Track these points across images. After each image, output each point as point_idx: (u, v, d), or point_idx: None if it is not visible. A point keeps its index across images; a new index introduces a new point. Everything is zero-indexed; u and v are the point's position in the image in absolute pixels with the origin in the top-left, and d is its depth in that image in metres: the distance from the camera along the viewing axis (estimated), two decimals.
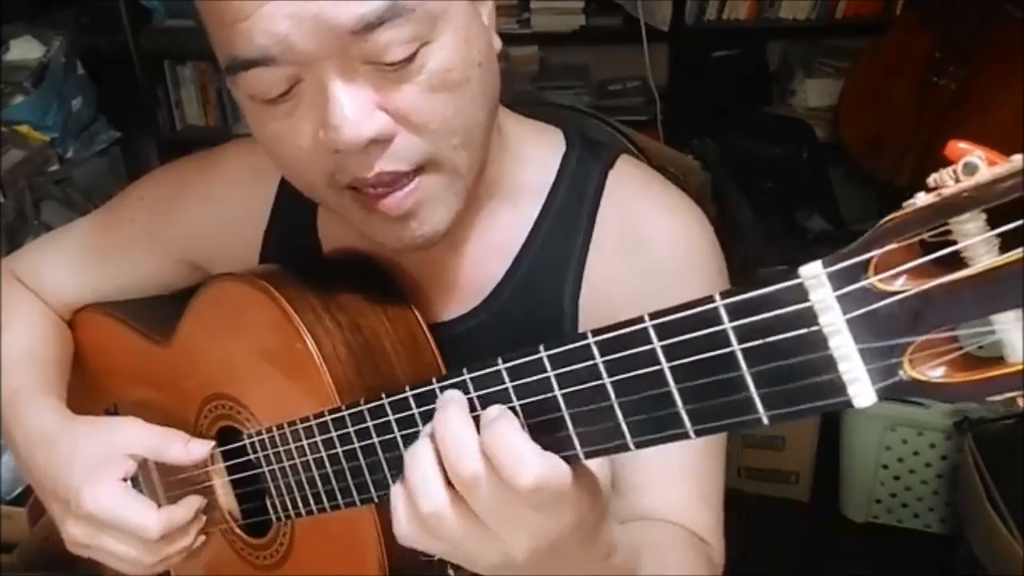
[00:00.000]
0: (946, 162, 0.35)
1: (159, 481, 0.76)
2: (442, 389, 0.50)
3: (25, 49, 2.41)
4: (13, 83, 2.33)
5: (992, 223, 0.34)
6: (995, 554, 1.50)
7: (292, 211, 0.78)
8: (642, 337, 0.42)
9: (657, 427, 0.43)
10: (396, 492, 0.50)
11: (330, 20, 0.53)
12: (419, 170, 0.60)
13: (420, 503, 0.48)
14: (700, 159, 2.14)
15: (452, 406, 0.48)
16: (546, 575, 0.52)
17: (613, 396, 0.44)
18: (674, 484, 0.69)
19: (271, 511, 0.70)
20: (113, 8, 2.51)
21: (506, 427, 0.46)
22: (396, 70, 0.56)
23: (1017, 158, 0.33)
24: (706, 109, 2.44)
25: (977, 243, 0.34)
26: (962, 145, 0.34)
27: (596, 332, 0.44)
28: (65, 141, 2.45)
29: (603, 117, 1.04)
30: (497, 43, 0.64)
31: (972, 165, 0.33)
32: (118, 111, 2.63)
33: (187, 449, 0.72)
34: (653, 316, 0.42)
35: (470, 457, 0.46)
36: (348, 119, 0.55)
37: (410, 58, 0.55)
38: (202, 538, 0.75)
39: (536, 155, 0.73)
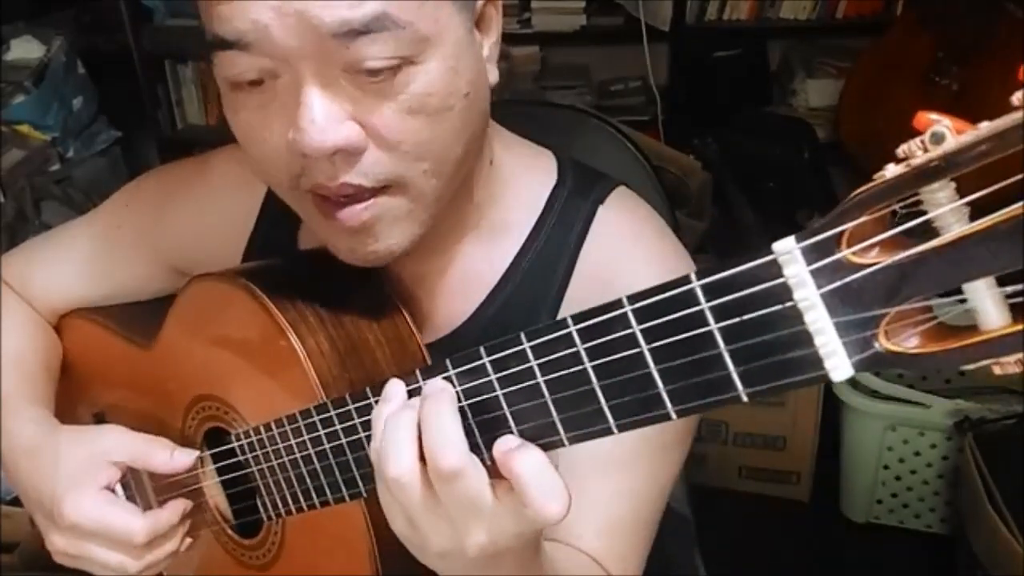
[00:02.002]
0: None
1: (150, 485, 0.76)
2: (426, 381, 0.50)
3: (25, 49, 2.41)
4: (13, 83, 2.33)
5: (962, 192, 0.34)
6: (996, 554, 1.50)
7: (276, 220, 0.78)
8: (622, 321, 0.43)
9: (639, 409, 0.44)
10: (372, 450, 0.51)
11: (313, 19, 0.52)
12: (383, 189, 0.59)
13: (388, 466, 0.48)
14: (700, 159, 2.15)
15: (443, 396, 0.48)
16: None
17: (595, 380, 0.44)
18: (588, 515, 0.67)
19: (261, 510, 0.70)
20: (113, 8, 2.51)
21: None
22: (376, 84, 0.55)
23: (983, 125, 0.33)
24: (706, 109, 2.44)
25: (947, 212, 0.34)
26: (931, 116, 0.34)
27: (576, 318, 0.44)
28: (65, 141, 2.45)
29: (603, 117, 1.04)
30: (493, 78, 0.63)
31: (939, 134, 0.34)
32: (118, 111, 2.63)
33: (172, 457, 0.71)
34: (632, 299, 0.42)
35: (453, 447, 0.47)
36: (316, 125, 0.54)
37: (391, 73, 0.54)
38: (188, 541, 0.74)
39: (524, 188, 0.72)
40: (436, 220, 0.63)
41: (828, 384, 1.91)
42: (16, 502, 1.56)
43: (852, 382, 1.79)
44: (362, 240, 0.61)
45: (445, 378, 0.50)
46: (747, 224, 2.13)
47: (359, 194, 0.58)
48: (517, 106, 0.76)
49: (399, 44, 0.53)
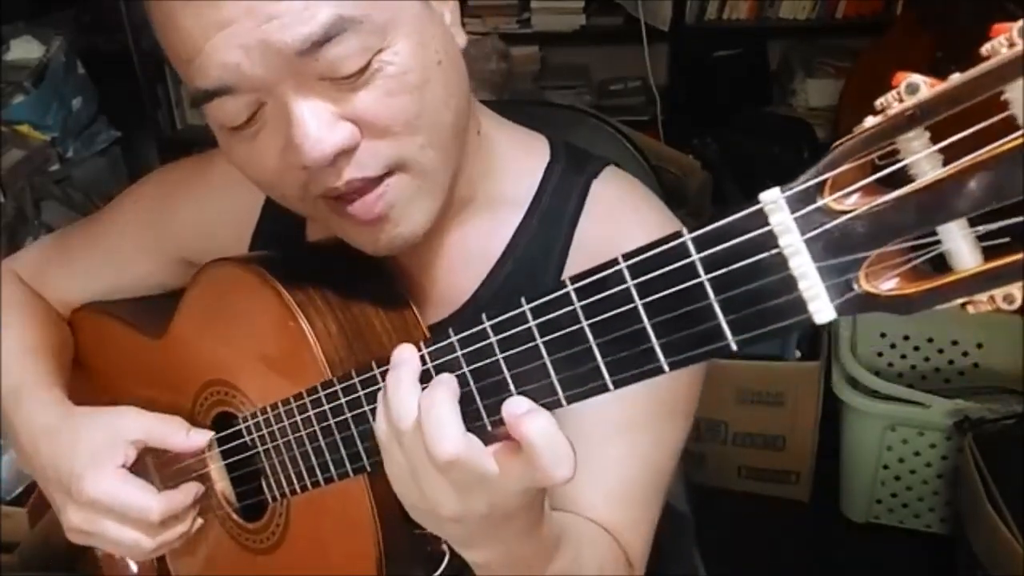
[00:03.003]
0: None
1: (155, 471, 0.77)
2: (431, 353, 0.52)
3: (25, 49, 2.41)
4: (13, 83, 2.33)
5: (936, 140, 0.36)
6: (995, 554, 1.50)
7: (281, 213, 0.79)
8: (617, 278, 0.44)
9: (633, 364, 0.45)
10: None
11: (276, 44, 0.54)
12: (388, 174, 0.60)
13: (378, 427, 0.52)
14: (700, 159, 2.15)
15: (443, 385, 0.50)
16: (489, 551, 0.55)
17: (591, 338, 0.46)
18: (597, 481, 0.69)
19: (266, 491, 0.71)
20: (113, 8, 2.51)
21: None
22: (354, 79, 0.56)
23: (955, 76, 0.35)
24: (706, 109, 2.45)
25: (921, 159, 0.36)
26: (910, 73, 0.37)
27: (574, 279, 0.46)
28: (65, 141, 2.45)
29: (603, 117, 1.04)
30: (461, 41, 0.64)
31: (913, 85, 0.36)
32: (118, 111, 2.63)
33: (188, 437, 0.73)
34: (627, 256, 0.44)
35: (409, 420, 0.50)
36: (310, 136, 0.56)
37: (364, 68, 0.56)
38: (199, 521, 0.76)
39: (519, 164, 0.73)
40: (448, 192, 0.64)
41: (828, 384, 1.91)
42: (16, 502, 1.56)
43: (852, 382, 1.79)
44: (382, 228, 0.63)
45: (447, 346, 0.51)
46: None
47: (367, 186, 0.60)
48: (517, 106, 0.76)
49: (362, 39, 0.55)
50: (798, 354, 1.87)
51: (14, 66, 2.37)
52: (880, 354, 1.93)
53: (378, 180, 0.60)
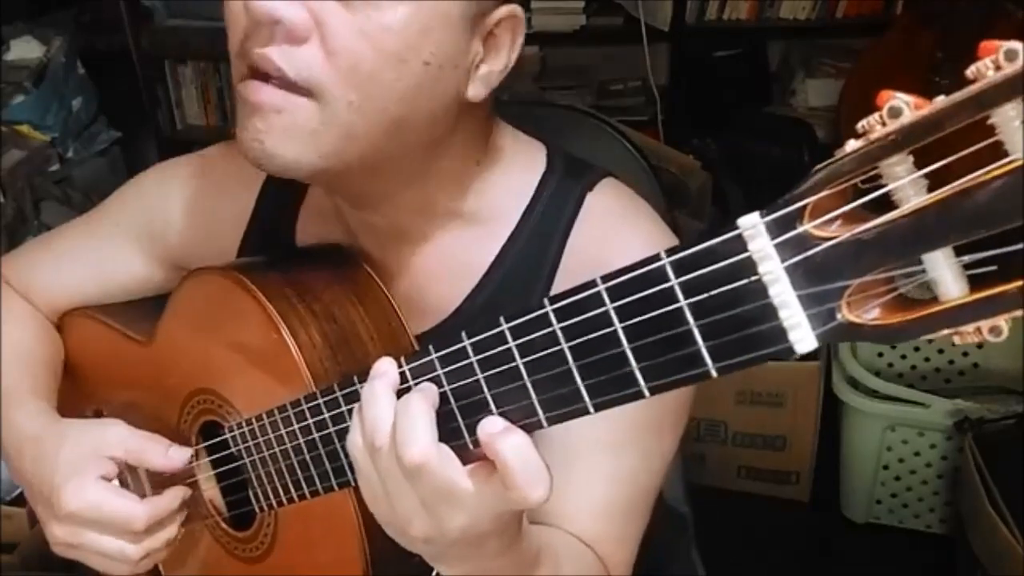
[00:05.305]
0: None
1: (146, 478, 0.77)
2: (412, 371, 0.51)
3: (25, 49, 2.41)
4: (13, 83, 2.33)
5: (920, 164, 0.34)
6: (995, 554, 1.50)
7: (272, 214, 0.79)
8: (595, 300, 0.44)
9: (613, 387, 0.44)
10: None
11: None
12: (302, 92, 0.58)
13: (351, 439, 0.51)
14: (700, 159, 2.15)
15: (419, 392, 0.49)
16: (463, 567, 0.54)
17: (571, 360, 0.45)
18: (580, 496, 0.68)
19: (254, 502, 0.70)
20: (113, 8, 2.51)
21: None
22: None
23: (939, 99, 0.33)
24: (706, 109, 2.44)
25: (905, 185, 0.34)
26: (894, 93, 0.35)
27: (552, 300, 0.45)
28: (65, 141, 2.45)
29: (603, 117, 1.04)
30: (472, 92, 0.63)
31: (896, 108, 0.34)
32: (118, 111, 2.63)
33: (167, 455, 0.72)
34: (604, 279, 0.43)
35: (385, 432, 0.49)
36: None
37: None
38: (182, 530, 0.75)
39: (514, 175, 0.72)
40: (350, 170, 0.62)
41: (828, 384, 1.91)
42: (16, 502, 1.56)
43: (852, 382, 1.79)
44: (255, 124, 0.60)
45: (427, 363, 0.50)
46: None
47: (277, 78, 0.58)
48: (517, 106, 0.76)
49: None
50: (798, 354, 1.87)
51: (14, 66, 2.37)
52: (880, 354, 1.93)
53: (291, 87, 0.58)
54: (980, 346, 1.88)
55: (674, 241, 0.72)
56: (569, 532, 0.67)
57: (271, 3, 0.56)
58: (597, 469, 0.68)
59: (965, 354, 1.89)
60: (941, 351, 1.91)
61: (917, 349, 1.92)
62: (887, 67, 2.19)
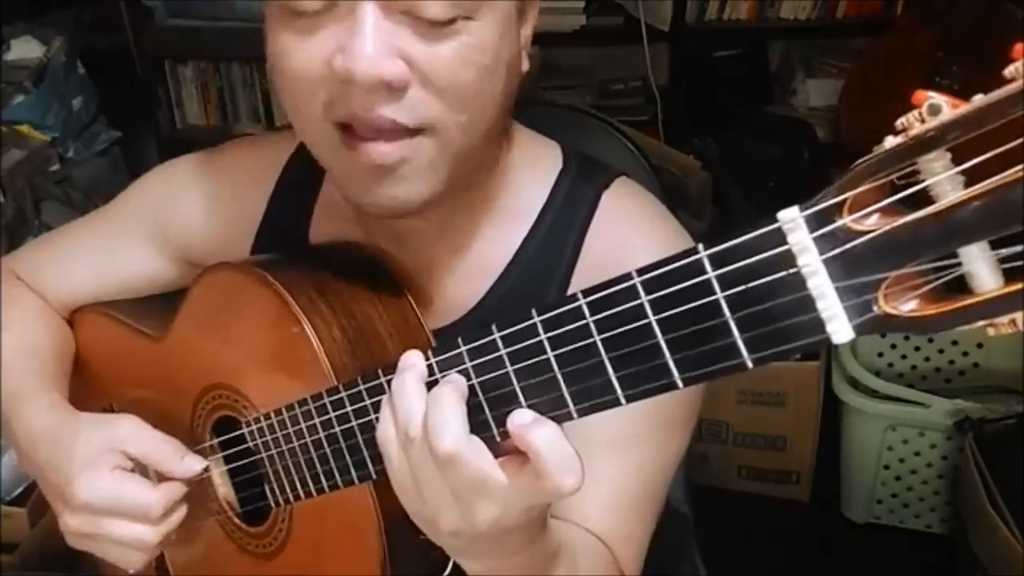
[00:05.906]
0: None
1: (155, 474, 0.77)
2: (439, 364, 0.51)
3: (25, 49, 2.40)
4: (13, 83, 2.33)
5: (957, 161, 0.35)
6: (995, 554, 1.50)
7: (285, 212, 0.79)
8: (630, 293, 0.44)
9: (646, 379, 0.45)
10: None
11: None
12: (416, 132, 0.59)
13: (381, 430, 0.52)
14: (700, 159, 2.14)
15: (451, 384, 0.49)
16: (488, 561, 0.55)
17: (604, 352, 0.46)
18: (594, 492, 0.68)
19: (269, 496, 0.70)
20: (113, 8, 2.51)
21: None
22: (432, 30, 0.56)
23: (978, 98, 0.34)
24: (706, 109, 2.44)
25: (943, 180, 0.36)
26: (928, 93, 0.36)
27: (586, 292, 0.46)
28: (65, 141, 2.44)
29: (604, 117, 1.04)
30: (525, 65, 0.65)
31: (935, 106, 0.36)
32: (118, 111, 2.62)
33: (183, 464, 0.72)
34: (640, 271, 0.44)
35: (418, 423, 0.49)
36: (369, 53, 0.55)
37: (447, 23, 0.56)
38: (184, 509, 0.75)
39: (531, 174, 0.73)
40: (452, 186, 0.63)
41: (828, 384, 1.91)
42: (16, 502, 1.56)
43: (852, 382, 1.79)
44: (385, 183, 0.61)
45: (455, 356, 0.51)
46: (747, 224, 2.13)
47: (392, 132, 0.58)
48: (517, 106, 0.76)
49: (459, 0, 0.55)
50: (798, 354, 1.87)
51: (14, 66, 2.37)
52: (880, 354, 1.93)
53: (404, 132, 0.59)
54: (980, 346, 1.88)
55: (690, 241, 0.73)
56: (583, 528, 0.68)
57: (374, 68, 0.55)
58: (610, 464, 0.69)
59: (965, 354, 1.89)
60: (941, 351, 1.91)
61: (918, 349, 1.92)
62: (887, 67, 2.19)
